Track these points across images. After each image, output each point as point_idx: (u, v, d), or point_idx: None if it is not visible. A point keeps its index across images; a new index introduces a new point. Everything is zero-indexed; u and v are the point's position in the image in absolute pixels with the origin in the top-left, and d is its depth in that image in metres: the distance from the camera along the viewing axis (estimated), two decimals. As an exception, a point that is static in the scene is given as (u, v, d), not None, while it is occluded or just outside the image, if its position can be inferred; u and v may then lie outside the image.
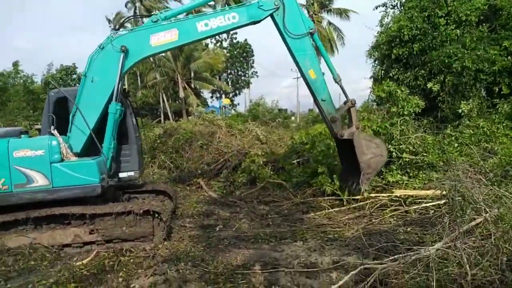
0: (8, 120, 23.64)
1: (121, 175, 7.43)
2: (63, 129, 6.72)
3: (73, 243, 6.33)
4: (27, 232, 6.25)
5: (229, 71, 65.02)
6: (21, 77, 47.94)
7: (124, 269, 5.39)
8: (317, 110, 17.66)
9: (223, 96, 60.33)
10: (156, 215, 6.46)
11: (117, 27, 7.48)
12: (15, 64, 48.72)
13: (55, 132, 6.51)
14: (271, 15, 7.27)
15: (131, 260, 5.76)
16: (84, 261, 5.74)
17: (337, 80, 7.89)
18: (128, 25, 36.24)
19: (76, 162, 6.41)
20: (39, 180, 6.15)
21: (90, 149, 6.82)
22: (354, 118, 7.81)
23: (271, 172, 11.46)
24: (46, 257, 5.95)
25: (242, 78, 67.43)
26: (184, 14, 8.14)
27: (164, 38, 6.89)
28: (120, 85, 6.87)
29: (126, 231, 6.37)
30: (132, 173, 7.55)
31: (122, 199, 7.62)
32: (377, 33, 15.59)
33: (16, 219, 6.10)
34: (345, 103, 7.92)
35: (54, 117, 6.66)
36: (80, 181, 6.26)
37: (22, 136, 6.62)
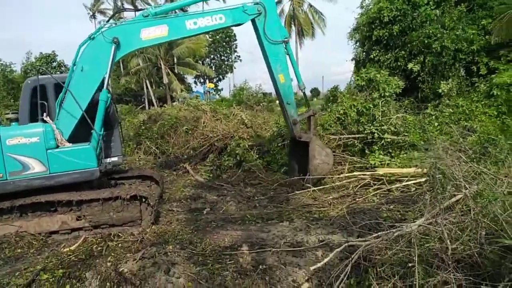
0: (-14, 109, 22.99)
1: (106, 160, 7.42)
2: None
3: (60, 230, 6.33)
4: (12, 221, 6.21)
5: (212, 56, 64.23)
6: (-1, 66, 46.50)
7: (113, 254, 5.42)
8: (300, 94, 17.74)
9: (207, 81, 59.71)
10: (144, 199, 6.48)
11: (108, 19, 7.71)
12: (-8, 52, 47.05)
13: (48, 119, 6.53)
14: (253, 20, 7.89)
15: (119, 245, 5.79)
16: (72, 247, 5.75)
17: (302, 88, 8.78)
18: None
19: (73, 148, 6.48)
20: (36, 167, 6.17)
21: (77, 135, 6.78)
22: (312, 126, 8.73)
23: (257, 155, 11.51)
24: (33, 245, 5.94)
25: (226, 63, 66.77)
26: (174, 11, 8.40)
27: (154, 33, 7.19)
28: (110, 75, 7.00)
29: (114, 217, 6.39)
30: (115, 159, 7.57)
31: (108, 185, 7.59)
32: (358, 15, 15.64)
33: (1, 208, 6.05)
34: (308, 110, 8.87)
35: (46, 104, 6.71)
36: (78, 166, 6.40)
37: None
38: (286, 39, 8.20)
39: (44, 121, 6.50)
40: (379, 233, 4.73)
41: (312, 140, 8.33)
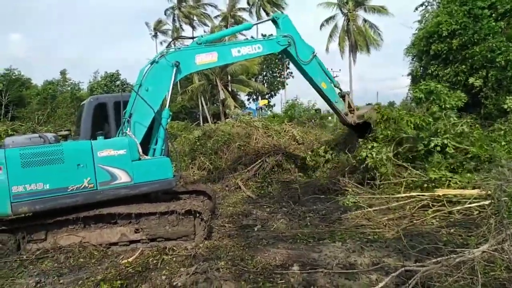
0: (57, 126, 24.93)
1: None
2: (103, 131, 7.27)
3: (119, 241, 6.65)
4: (77, 231, 6.61)
5: (264, 72, 65.22)
6: (68, 85, 50.56)
7: (167, 267, 5.58)
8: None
9: (259, 97, 60.60)
10: (198, 214, 6.65)
11: (166, 46, 9.15)
12: (63, 73, 51.53)
13: (130, 133, 7.14)
14: (285, 50, 9.32)
15: (174, 259, 5.95)
16: (130, 259, 5.99)
17: (337, 85, 10.36)
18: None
19: (153, 160, 7.15)
20: (122, 177, 6.66)
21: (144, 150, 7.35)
22: (351, 103, 10.71)
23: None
24: (94, 255, 6.28)
25: (278, 79, 67.41)
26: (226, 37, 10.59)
27: (206, 59, 8.18)
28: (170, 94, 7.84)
29: (169, 230, 6.61)
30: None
31: (163, 199, 7.87)
32: (416, 30, 15.23)
33: (67, 218, 6.46)
34: (342, 97, 10.54)
35: (123, 120, 7.35)
36: (158, 176, 6.98)
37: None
38: (314, 54, 9.66)
39: (126, 135, 7.13)
40: (438, 259, 4.51)
41: (366, 116, 10.57)
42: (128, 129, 7.22)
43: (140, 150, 7.05)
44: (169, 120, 7.75)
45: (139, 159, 6.92)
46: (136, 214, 6.55)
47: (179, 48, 8.36)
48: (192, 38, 8.93)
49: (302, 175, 12.37)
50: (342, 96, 10.57)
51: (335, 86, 10.26)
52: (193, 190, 8.73)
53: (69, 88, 49.22)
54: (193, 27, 56.55)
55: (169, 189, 7.38)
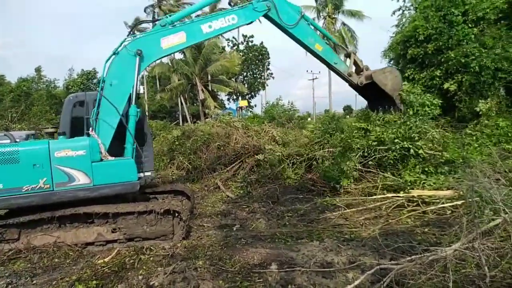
0: (32, 123, 24.26)
1: (140, 175, 7.63)
2: (81, 131, 7.06)
3: (96, 241, 6.54)
4: (52, 231, 6.47)
5: (245, 73, 65.15)
6: (44, 82, 49.27)
7: (144, 267, 5.53)
8: (334, 111, 17.78)
9: (240, 98, 60.49)
10: (176, 214, 6.60)
11: (128, 32, 8.15)
12: (38, 70, 50.13)
13: (93, 133, 6.82)
14: (266, 15, 8.35)
15: (151, 258, 5.90)
16: (106, 259, 5.91)
17: (339, 44, 10.17)
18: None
19: (116, 161, 6.74)
20: (81, 179, 6.41)
21: (112, 150, 7.03)
22: (359, 63, 9.73)
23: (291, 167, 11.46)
24: (69, 255, 6.15)
25: (258, 80, 67.48)
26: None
27: (173, 41, 7.46)
28: (137, 87, 7.24)
29: (147, 230, 6.54)
30: (149, 173, 7.79)
31: (143, 199, 7.78)
32: (393, 33, 15.52)
33: (42, 218, 6.32)
34: (347, 56, 9.93)
35: (89, 119, 7.02)
36: (120, 179, 6.61)
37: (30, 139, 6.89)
38: (302, 13, 8.75)
39: (88, 135, 6.81)
40: (412, 257, 4.61)
41: (373, 76, 9.49)
42: (91, 128, 6.89)
43: (103, 150, 6.72)
44: (137, 118, 7.25)
45: (101, 160, 6.61)
46: (113, 214, 6.45)
47: (142, 35, 7.67)
48: (154, 20, 8.23)
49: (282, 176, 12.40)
50: (348, 55, 9.89)
51: (336, 45, 9.74)
52: (171, 190, 8.66)
53: (44, 86, 48.00)
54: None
55: (133, 193, 6.89)
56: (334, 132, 11.23)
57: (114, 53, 7.12)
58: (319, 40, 9.00)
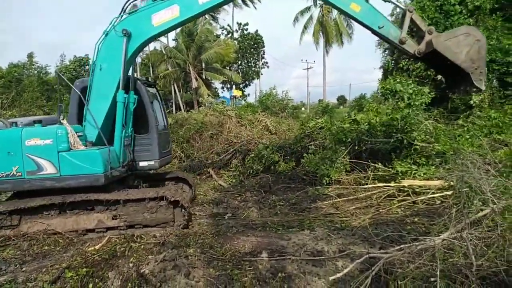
0: (23, 110, 23.95)
1: (141, 164, 7.55)
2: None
3: (96, 228, 6.53)
4: (51, 217, 6.48)
5: (239, 62, 64.81)
6: (35, 68, 48.57)
7: (135, 255, 5.53)
8: (328, 101, 17.65)
9: (234, 86, 60.24)
10: (177, 202, 6.56)
11: (120, 12, 7.22)
12: (30, 56, 49.37)
13: (64, 121, 6.64)
14: None
15: (142, 246, 5.90)
16: (96, 247, 5.90)
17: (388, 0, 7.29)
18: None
19: (81, 152, 6.43)
20: (48, 168, 6.33)
21: (110, 138, 6.90)
22: (420, 25, 6.98)
23: (281, 158, 11.47)
24: (59, 243, 6.14)
25: (253, 69, 67.16)
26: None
27: (165, 16, 6.71)
28: (127, 72, 6.90)
29: (148, 217, 6.53)
30: (152, 163, 7.60)
31: (141, 187, 7.72)
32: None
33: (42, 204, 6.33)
34: (403, 16, 7.15)
35: (62, 106, 6.96)
36: (85, 170, 6.34)
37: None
38: None
39: (61, 123, 6.59)
40: (401, 246, 4.64)
41: (434, 43, 6.67)
42: (62, 116, 6.67)
43: (72, 140, 6.40)
44: (128, 105, 6.89)
45: (69, 149, 6.35)
46: (114, 201, 6.43)
47: (131, 12, 7.00)
48: None
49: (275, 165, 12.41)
50: (403, 14, 7.11)
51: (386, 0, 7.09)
52: (173, 177, 8.74)
53: (35, 72, 47.35)
54: None
55: (97, 186, 6.41)
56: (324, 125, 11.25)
57: (104, 34, 6.74)
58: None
